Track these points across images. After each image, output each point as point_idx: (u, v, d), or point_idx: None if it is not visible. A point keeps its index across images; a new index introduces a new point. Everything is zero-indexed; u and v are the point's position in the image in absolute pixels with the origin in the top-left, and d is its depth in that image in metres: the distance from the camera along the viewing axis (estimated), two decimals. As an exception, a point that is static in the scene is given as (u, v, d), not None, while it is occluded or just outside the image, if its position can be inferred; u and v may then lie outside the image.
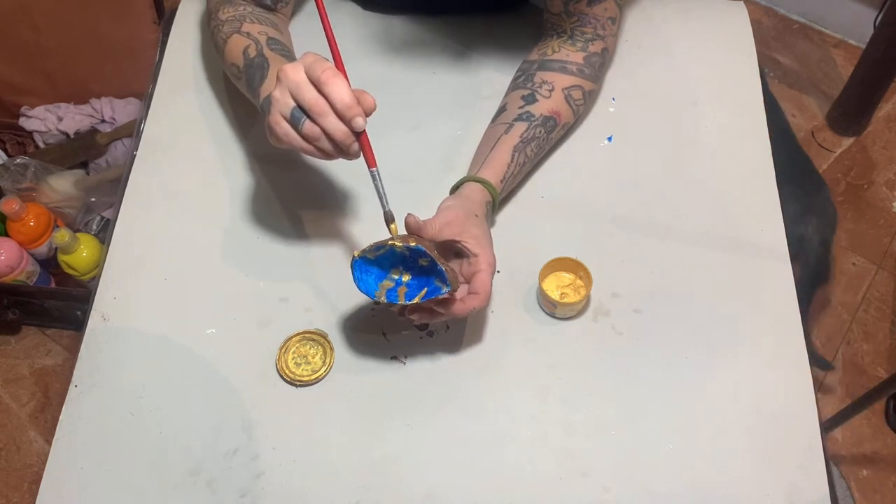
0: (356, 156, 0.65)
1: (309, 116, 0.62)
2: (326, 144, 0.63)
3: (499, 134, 0.81)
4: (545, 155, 0.87)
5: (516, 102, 0.83)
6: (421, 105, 0.93)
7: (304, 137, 0.63)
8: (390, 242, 0.66)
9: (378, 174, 0.67)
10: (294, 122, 0.63)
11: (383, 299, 0.68)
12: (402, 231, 0.69)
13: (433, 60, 0.96)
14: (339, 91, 0.61)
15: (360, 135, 0.64)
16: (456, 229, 0.70)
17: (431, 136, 0.90)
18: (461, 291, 0.70)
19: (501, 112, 0.84)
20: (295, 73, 0.62)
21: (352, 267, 0.67)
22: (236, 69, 0.78)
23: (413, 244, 0.66)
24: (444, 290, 0.66)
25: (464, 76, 0.95)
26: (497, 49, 0.96)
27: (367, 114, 0.63)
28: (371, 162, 0.66)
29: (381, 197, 0.67)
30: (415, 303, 0.67)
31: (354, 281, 0.67)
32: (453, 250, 0.72)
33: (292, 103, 0.62)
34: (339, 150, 0.64)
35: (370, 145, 0.66)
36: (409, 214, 0.69)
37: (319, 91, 0.61)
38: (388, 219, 0.68)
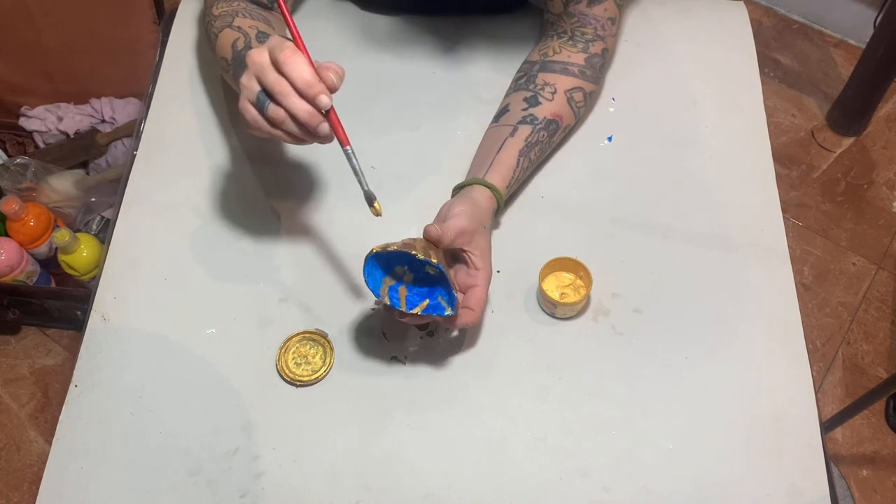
0: (328, 138, 0.63)
1: (272, 99, 0.61)
2: (292, 126, 0.61)
3: (503, 136, 0.81)
4: (546, 158, 0.87)
5: (519, 104, 0.83)
6: (421, 105, 0.92)
7: (270, 121, 0.62)
8: (412, 252, 0.65)
9: (353, 153, 0.64)
10: (260, 107, 0.61)
11: (385, 300, 0.68)
12: (385, 209, 0.67)
13: (433, 60, 0.96)
14: (298, 69, 0.59)
15: (328, 114, 0.62)
16: (467, 239, 0.70)
17: (431, 136, 0.90)
18: None
19: (504, 113, 0.84)
20: (259, 56, 0.60)
21: (365, 261, 0.67)
22: (225, 62, 0.77)
23: (434, 261, 0.65)
24: (448, 311, 0.66)
25: (464, 76, 0.95)
26: (497, 49, 0.96)
27: (332, 90, 0.61)
28: (344, 141, 0.64)
29: (359, 176, 0.65)
30: (415, 313, 0.67)
31: (364, 276, 0.67)
32: (452, 253, 0.72)
33: (257, 88, 0.61)
34: (308, 133, 0.62)
35: (340, 124, 0.63)
36: (430, 225, 0.68)
37: (280, 71, 0.60)
38: (369, 199, 0.66)
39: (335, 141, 0.64)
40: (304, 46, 0.62)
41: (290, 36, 0.63)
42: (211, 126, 0.91)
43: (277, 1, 0.64)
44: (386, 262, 0.69)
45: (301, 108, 0.60)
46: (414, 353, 0.76)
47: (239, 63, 0.74)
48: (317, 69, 0.60)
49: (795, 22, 2.01)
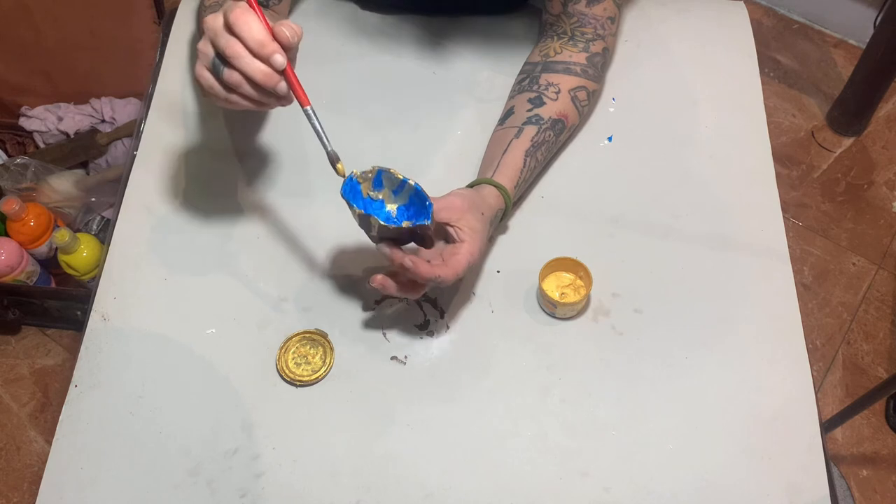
0: (288, 98, 0.61)
1: (226, 63, 0.59)
2: (249, 89, 0.59)
3: (509, 138, 0.81)
4: (551, 158, 0.87)
5: (524, 105, 0.83)
6: (421, 105, 0.93)
7: (226, 86, 0.60)
8: (389, 169, 0.65)
9: (314, 112, 0.62)
10: (216, 72, 0.60)
11: (362, 211, 0.65)
12: (349, 170, 0.66)
13: (433, 60, 0.96)
14: (250, 28, 0.57)
15: (284, 72, 0.59)
16: (455, 214, 0.69)
17: (431, 136, 0.90)
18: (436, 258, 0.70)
19: (509, 115, 0.84)
20: (214, 21, 0.59)
21: (343, 184, 0.65)
22: None
23: (402, 176, 0.65)
24: (426, 221, 0.65)
25: (463, 76, 0.95)
26: (497, 49, 0.96)
27: (287, 47, 0.59)
28: (304, 100, 0.61)
29: (321, 136, 0.62)
30: (404, 226, 0.65)
31: (343, 195, 0.65)
32: (443, 233, 0.72)
33: (212, 53, 0.60)
34: (266, 94, 0.60)
35: (299, 82, 0.61)
36: None
37: (232, 33, 0.58)
38: (333, 159, 0.64)
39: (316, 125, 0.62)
40: (257, 5, 0.59)
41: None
42: (211, 126, 0.91)
43: None
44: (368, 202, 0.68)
45: (255, 68, 0.58)
46: (414, 353, 0.76)
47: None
48: (271, 27, 0.58)
49: (795, 22, 2.01)
